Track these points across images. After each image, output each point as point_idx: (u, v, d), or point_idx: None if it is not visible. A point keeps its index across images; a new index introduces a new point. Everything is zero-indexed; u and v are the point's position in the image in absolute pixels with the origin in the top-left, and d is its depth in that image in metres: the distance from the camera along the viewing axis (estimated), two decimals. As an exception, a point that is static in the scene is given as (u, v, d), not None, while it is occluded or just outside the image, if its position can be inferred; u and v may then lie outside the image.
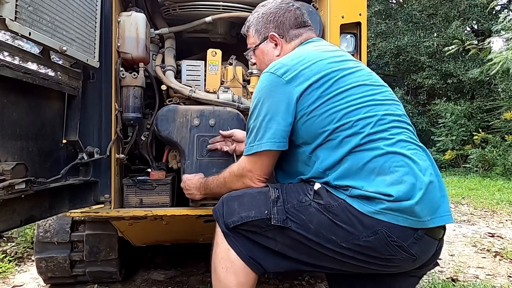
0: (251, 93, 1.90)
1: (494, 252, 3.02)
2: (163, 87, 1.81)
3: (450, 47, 7.47)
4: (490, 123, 9.53)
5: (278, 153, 1.28)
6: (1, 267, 2.54)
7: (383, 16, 13.30)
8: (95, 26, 1.46)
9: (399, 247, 1.10)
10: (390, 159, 1.13)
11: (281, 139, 1.23)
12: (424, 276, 2.42)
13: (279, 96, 1.23)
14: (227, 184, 1.37)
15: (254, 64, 1.61)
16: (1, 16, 0.93)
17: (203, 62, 1.90)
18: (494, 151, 8.41)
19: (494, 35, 8.14)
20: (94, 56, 1.46)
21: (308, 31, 1.49)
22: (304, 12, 1.51)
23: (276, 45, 1.47)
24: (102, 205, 1.58)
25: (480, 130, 9.12)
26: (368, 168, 1.13)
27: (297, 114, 1.23)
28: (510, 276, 2.51)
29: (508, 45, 6.97)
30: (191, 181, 1.59)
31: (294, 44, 1.45)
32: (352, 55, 1.85)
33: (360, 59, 1.85)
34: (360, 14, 1.81)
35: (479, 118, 10.21)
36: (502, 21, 7.23)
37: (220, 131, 1.70)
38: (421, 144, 1.25)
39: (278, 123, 1.22)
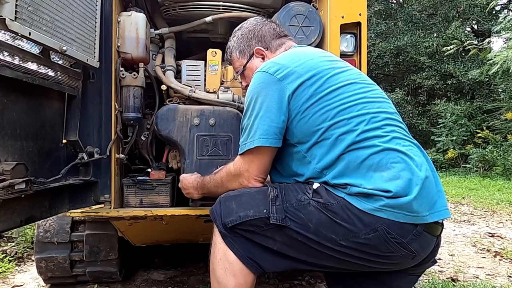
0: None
1: (494, 252, 3.02)
2: (163, 87, 1.82)
3: (449, 47, 7.45)
4: (490, 123, 9.54)
5: (273, 151, 1.27)
6: (1, 267, 2.54)
7: (383, 16, 13.33)
8: (95, 26, 1.46)
9: (399, 243, 1.10)
10: (387, 156, 1.14)
11: (273, 135, 1.23)
12: (424, 276, 2.44)
13: (272, 93, 1.24)
14: (224, 184, 1.36)
15: (247, 86, 1.57)
16: (1, 16, 0.93)
17: (203, 62, 1.90)
18: (495, 151, 8.42)
19: (494, 35, 8.13)
20: (94, 56, 1.46)
21: (289, 40, 1.53)
22: (279, 24, 1.57)
23: (263, 58, 1.49)
24: (102, 205, 1.58)
25: (484, 128, 9.13)
26: (365, 165, 1.14)
27: (291, 112, 1.24)
28: (510, 276, 2.52)
29: (508, 45, 6.96)
30: (188, 180, 1.58)
31: (280, 52, 1.48)
32: (352, 55, 1.87)
33: (360, 59, 1.87)
34: (360, 14, 1.81)
35: (479, 118, 10.23)
36: (502, 21, 7.22)
37: None
38: (414, 141, 1.26)
39: (271, 119, 1.22)
